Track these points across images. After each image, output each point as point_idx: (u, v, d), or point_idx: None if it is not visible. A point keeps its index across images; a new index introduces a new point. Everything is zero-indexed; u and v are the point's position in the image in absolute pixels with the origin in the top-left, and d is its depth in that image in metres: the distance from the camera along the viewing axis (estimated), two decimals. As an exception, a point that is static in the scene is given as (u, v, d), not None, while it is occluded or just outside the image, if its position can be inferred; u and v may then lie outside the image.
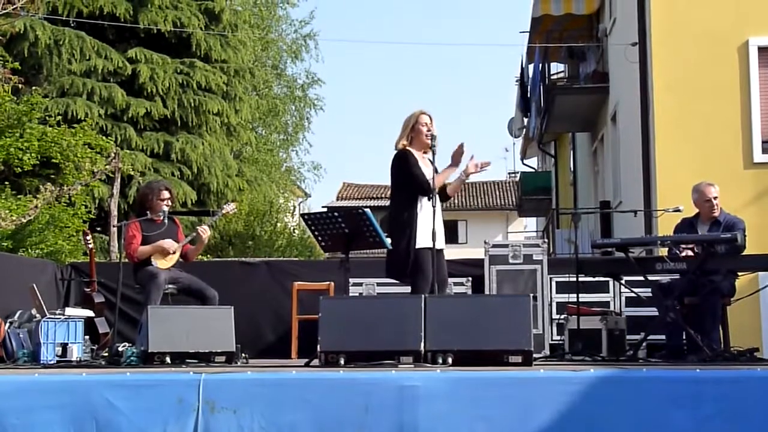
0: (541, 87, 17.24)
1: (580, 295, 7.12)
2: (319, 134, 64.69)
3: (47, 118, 13.36)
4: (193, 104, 17.60)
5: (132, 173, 15.00)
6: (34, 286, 7.08)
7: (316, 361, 5.62)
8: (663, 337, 7.01)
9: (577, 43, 16.51)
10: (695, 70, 11.11)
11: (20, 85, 13.24)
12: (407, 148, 6.31)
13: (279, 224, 20.04)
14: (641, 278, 6.72)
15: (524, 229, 34.09)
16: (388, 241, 6.16)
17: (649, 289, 6.89)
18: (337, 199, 36.73)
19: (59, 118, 13.80)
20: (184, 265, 7.31)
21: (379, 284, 8.07)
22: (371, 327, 5.54)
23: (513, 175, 34.66)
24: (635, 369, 5.11)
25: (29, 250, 11.07)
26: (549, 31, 16.42)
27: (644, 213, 10.77)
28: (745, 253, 6.57)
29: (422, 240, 6.11)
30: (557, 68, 19.49)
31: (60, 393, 4.80)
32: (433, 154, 6.27)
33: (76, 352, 6.46)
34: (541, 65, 17.08)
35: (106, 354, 6.50)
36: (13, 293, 7.59)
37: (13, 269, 8.19)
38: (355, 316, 5.64)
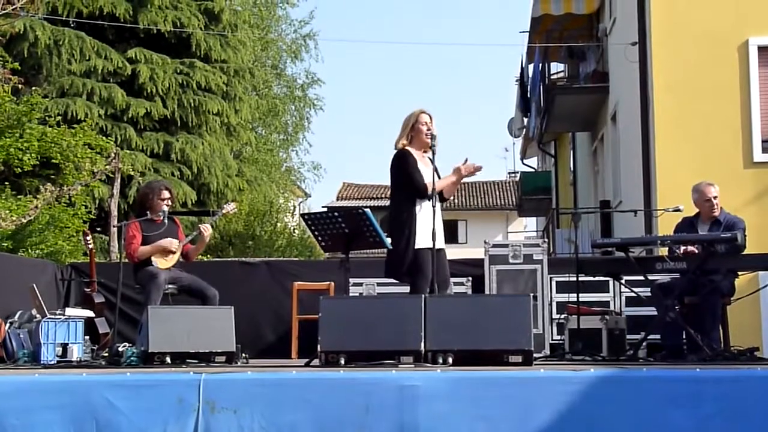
0: (541, 87, 17.24)
1: (580, 294, 7.12)
2: (319, 134, 64.78)
3: (47, 118, 13.36)
4: (192, 104, 17.61)
5: (132, 173, 15.00)
6: (34, 286, 7.08)
7: (316, 361, 5.62)
8: (662, 336, 7.02)
9: (577, 42, 16.51)
10: (695, 69, 11.11)
11: (20, 86, 13.24)
12: (407, 147, 6.31)
13: (279, 224, 20.04)
14: (641, 278, 6.72)
15: (524, 228, 34.09)
16: (389, 241, 6.16)
17: (649, 289, 6.89)
18: (337, 199, 36.73)
19: (59, 118, 13.79)
20: (185, 265, 7.31)
21: (379, 284, 8.07)
22: (371, 327, 5.54)
23: (513, 174, 34.66)
24: (635, 369, 5.11)
25: (29, 251, 11.07)
26: (549, 31, 16.42)
27: (644, 213, 10.77)
28: (745, 252, 6.58)
29: (422, 240, 6.10)
30: (557, 68, 19.50)
31: (60, 393, 4.80)
32: (433, 153, 6.27)
33: (76, 353, 6.45)
34: (541, 65, 17.09)
35: (107, 354, 6.50)
36: (13, 293, 7.59)
37: (13, 269, 8.19)
38: (356, 316, 5.64)
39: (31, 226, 11.27)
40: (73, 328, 6.53)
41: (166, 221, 7.20)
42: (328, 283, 8.28)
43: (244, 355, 6.38)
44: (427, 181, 6.18)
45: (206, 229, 7.26)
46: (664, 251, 7.11)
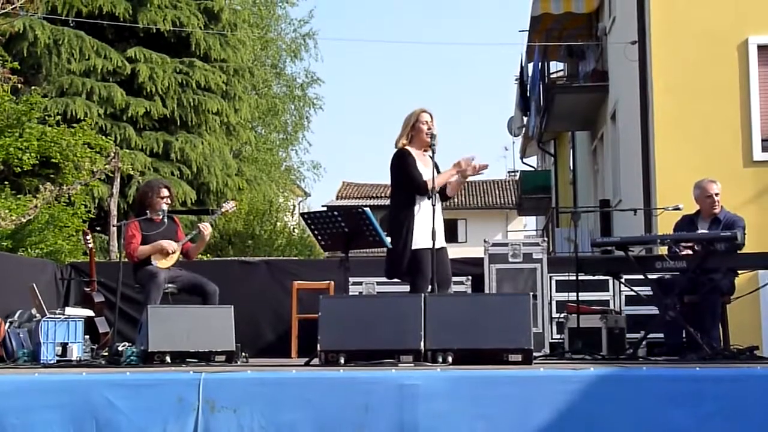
0: (541, 86, 17.24)
1: (579, 293, 7.12)
2: (319, 133, 64.72)
3: (46, 117, 13.36)
4: (192, 103, 17.61)
5: (131, 173, 15.01)
6: (34, 285, 7.08)
7: (316, 361, 5.62)
8: (663, 335, 7.02)
9: (577, 41, 16.51)
10: (695, 68, 11.11)
11: (19, 85, 13.25)
12: (406, 147, 6.31)
13: (279, 223, 20.02)
14: (641, 277, 6.72)
15: (524, 227, 34.06)
16: (388, 240, 6.16)
17: (649, 288, 6.90)
18: (337, 199, 36.73)
19: (58, 117, 13.81)
20: (184, 264, 7.31)
21: (378, 283, 8.07)
22: (371, 326, 5.54)
23: (513, 173, 34.65)
24: (635, 367, 5.11)
25: (29, 250, 11.07)
26: (548, 30, 16.42)
27: (644, 211, 10.78)
28: (744, 251, 6.58)
29: (421, 240, 6.10)
30: (557, 67, 19.50)
31: (60, 392, 4.80)
32: (433, 152, 6.27)
33: (76, 352, 6.45)
34: (540, 64, 17.08)
35: (106, 353, 6.49)
36: (12, 293, 7.59)
37: (12, 269, 8.19)
38: (355, 315, 5.65)
39: (30, 226, 11.27)
40: (72, 327, 6.53)
41: (165, 220, 7.20)
42: (327, 282, 8.28)
43: (243, 354, 6.38)
44: (426, 179, 6.17)
45: (206, 228, 7.26)
46: (663, 250, 7.11)
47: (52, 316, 6.58)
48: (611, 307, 7.95)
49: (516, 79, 21.30)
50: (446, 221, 6.44)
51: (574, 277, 7.04)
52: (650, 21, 11.41)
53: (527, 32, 17.30)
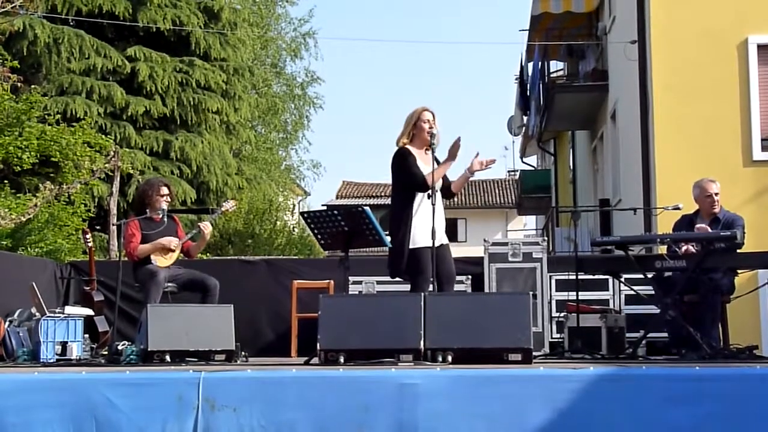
0: (541, 85, 17.24)
1: (579, 293, 7.12)
2: (319, 132, 64.64)
3: (46, 116, 13.36)
4: (192, 102, 17.61)
5: (131, 172, 15.01)
6: (34, 284, 7.08)
7: (315, 360, 5.62)
8: (662, 334, 7.02)
9: (577, 41, 16.51)
10: (694, 67, 11.11)
11: (19, 84, 13.25)
12: (407, 146, 6.31)
13: (278, 222, 20.01)
14: (641, 276, 6.73)
15: (524, 227, 34.05)
16: (388, 239, 6.16)
17: (649, 287, 6.90)
18: (337, 198, 36.72)
19: (58, 116, 13.81)
20: (185, 263, 7.31)
21: (378, 282, 8.07)
22: (371, 325, 5.54)
23: (512, 173, 34.63)
24: (635, 367, 5.12)
25: (29, 249, 11.07)
26: (548, 29, 16.42)
27: (644, 211, 10.78)
28: (744, 250, 6.58)
29: (421, 239, 6.10)
30: (557, 66, 19.49)
31: (59, 391, 4.80)
32: (432, 152, 6.27)
33: (75, 351, 6.45)
34: (540, 63, 17.08)
35: (106, 352, 6.50)
36: (12, 292, 7.58)
37: (12, 268, 8.19)
38: (355, 315, 5.65)
39: (30, 225, 11.28)
40: (72, 326, 6.53)
41: (165, 219, 7.21)
42: (327, 281, 8.27)
43: (243, 353, 6.37)
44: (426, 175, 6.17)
45: (206, 227, 7.26)
46: (663, 249, 7.11)
47: (52, 315, 6.58)
48: (611, 306, 7.95)
49: (516, 79, 21.30)
50: (446, 220, 6.43)
51: (574, 277, 7.04)
52: (650, 20, 11.42)
53: (527, 31, 17.30)
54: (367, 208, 5.98)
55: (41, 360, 6.32)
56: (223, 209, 7.54)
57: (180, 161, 17.37)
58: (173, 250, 7.10)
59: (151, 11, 17.30)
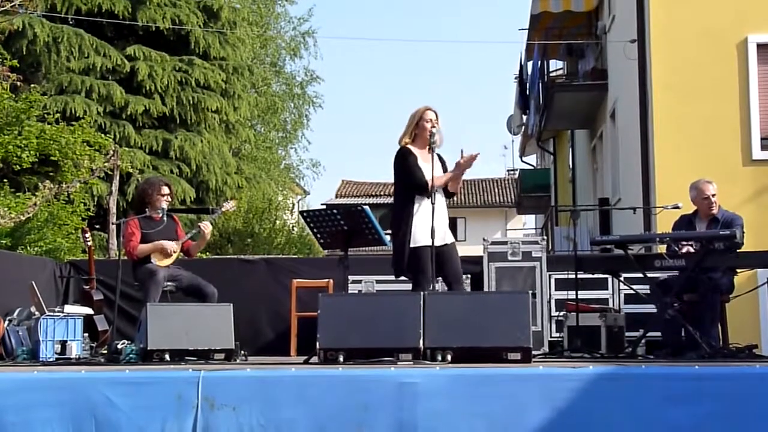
0: (540, 84, 17.23)
1: (579, 292, 7.12)
2: (318, 132, 64.62)
3: (46, 115, 13.36)
4: (191, 102, 17.61)
5: (131, 171, 14.99)
6: (33, 283, 7.08)
7: (315, 359, 5.62)
8: (660, 334, 7.02)
9: (576, 40, 16.51)
10: (694, 67, 11.11)
11: (19, 83, 13.25)
12: (408, 145, 6.31)
13: (278, 222, 20.01)
14: (640, 275, 6.72)
15: (523, 226, 34.03)
16: (387, 238, 6.17)
17: (648, 286, 6.90)
18: (336, 197, 36.69)
19: (58, 115, 13.80)
20: (185, 263, 7.30)
21: (378, 281, 8.08)
22: (370, 324, 5.54)
23: (512, 172, 34.61)
24: (634, 366, 5.12)
25: (28, 248, 11.07)
26: (548, 29, 16.42)
27: (643, 210, 10.77)
28: (743, 250, 6.57)
29: (421, 238, 6.10)
30: (556, 65, 19.48)
31: (59, 390, 4.80)
32: (432, 151, 6.27)
33: (75, 350, 6.44)
34: (540, 62, 17.07)
35: (105, 351, 6.49)
36: (12, 291, 7.58)
37: (12, 267, 8.18)
38: (354, 314, 5.65)
39: (29, 224, 11.27)
40: (72, 325, 6.52)
41: (165, 219, 7.20)
42: (327, 280, 8.27)
43: (242, 352, 6.38)
44: (427, 177, 6.17)
45: (206, 227, 7.26)
46: (662, 248, 7.11)
47: (52, 314, 6.57)
48: (610, 305, 7.95)
49: (515, 78, 21.30)
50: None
51: (574, 276, 7.04)
52: (650, 19, 11.42)
53: (527, 30, 17.30)
54: (367, 207, 5.98)
55: (41, 359, 6.32)
56: (223, 209, 7.54)
57: (179, 160, 17.37)
58: (174, 252, 7.11)
59: (150, 10, 17.29)
